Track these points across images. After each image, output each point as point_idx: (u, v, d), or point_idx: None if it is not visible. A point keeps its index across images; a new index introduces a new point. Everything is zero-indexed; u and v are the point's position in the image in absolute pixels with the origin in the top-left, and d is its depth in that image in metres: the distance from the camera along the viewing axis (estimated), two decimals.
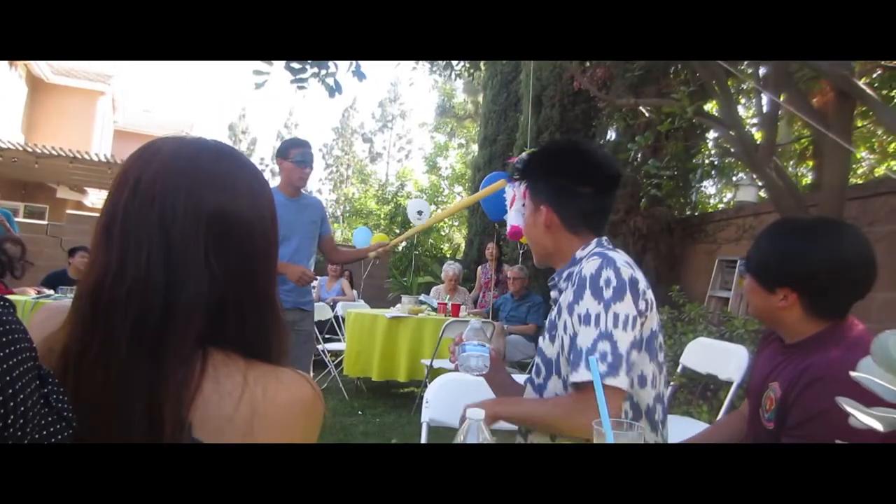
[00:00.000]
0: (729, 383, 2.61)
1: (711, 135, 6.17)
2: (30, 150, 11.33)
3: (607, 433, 0.92)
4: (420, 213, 8.53)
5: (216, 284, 0.69)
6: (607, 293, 1.20)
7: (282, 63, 3.47)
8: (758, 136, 4.58)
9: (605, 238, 1.43)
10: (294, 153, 3.21)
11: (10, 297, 4.54)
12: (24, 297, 4.91)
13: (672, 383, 2.93)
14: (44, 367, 0.57)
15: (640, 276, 1.29)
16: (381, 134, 33.15)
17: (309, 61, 3.43)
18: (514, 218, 3.15)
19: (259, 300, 0.75)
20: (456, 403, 1.87)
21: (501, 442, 1.08)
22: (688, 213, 6.65)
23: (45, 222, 10.20)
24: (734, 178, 6.68)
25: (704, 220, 6.31)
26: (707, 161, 6.53)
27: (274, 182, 3.01)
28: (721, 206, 7.71)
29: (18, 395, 0.52)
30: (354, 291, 7.85)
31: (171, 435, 0.64)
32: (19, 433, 0.53)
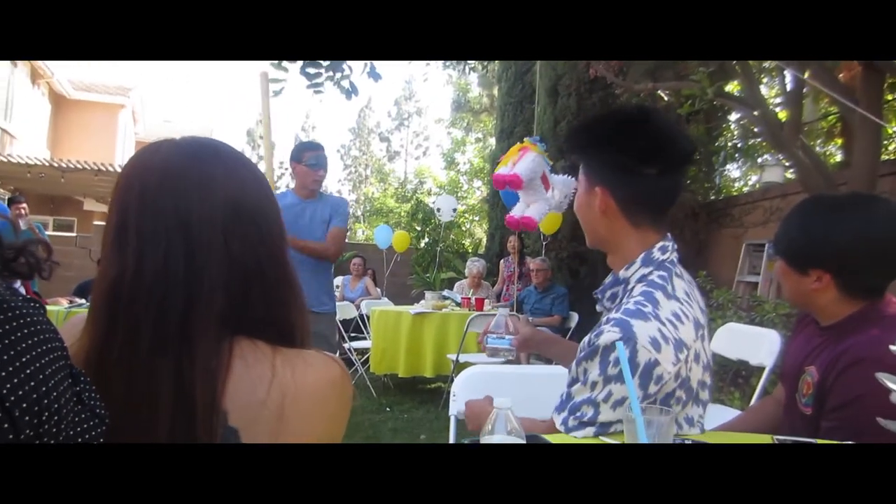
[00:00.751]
0: (760, 369, 2.56)
1: (734, 116, 6.07)
2: (56, 165, 11.54)
3: (637, 418, 0.90)
4: (454, 210, 8.58)
5: (237, 269, 0.72)
6: (612, 370, 1.09)
7: (297, 68, 3.48)
8: (782, 115, 4.48)
9: (657, 249, 1.22)
10: (307, 156, 3.26)
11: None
12: (56, 306, 5.00)
13: None
14: (75, 367, 0.58)
15: (666, 353, 1.09)
16: (398, 132, 33.20)
17: (324, 66, 3.43)
18: (518, 209, 3.15)
19: (280, 279, 0.77)
20: (482, 395, 1.86)
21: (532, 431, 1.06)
22: (712, 197, 6.54)
23: (73, 234, 10.40)
24: (759, 160, 6.56)
25: (730, 204, 6.21)
26: (730, 143, 6.41)
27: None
28: (746, 188, 7.58)
29: (52, 392, 0.53)
30: (378, 289, 7.88)
31: (205, 424, 0.65)
32: (54, 430, 0.53)
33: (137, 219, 0.70)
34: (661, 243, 1.23)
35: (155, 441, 0.64)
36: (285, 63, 3.38)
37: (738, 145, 6.54)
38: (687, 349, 1.12)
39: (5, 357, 0.51)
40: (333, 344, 3.46)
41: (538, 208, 3.03)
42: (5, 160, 11.18)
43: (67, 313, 4.67)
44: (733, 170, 8.18)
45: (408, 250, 10.74)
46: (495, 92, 12.65)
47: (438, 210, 8.63)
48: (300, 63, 3.44)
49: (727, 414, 2.80)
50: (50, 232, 9.74)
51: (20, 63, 13.27)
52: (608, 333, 1.10)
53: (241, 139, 33.38)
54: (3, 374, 0.50)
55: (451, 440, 1.74)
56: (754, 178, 7.50)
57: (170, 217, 0.70)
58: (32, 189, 13.40)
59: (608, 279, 1.30)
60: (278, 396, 0.68)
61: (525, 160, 2.96)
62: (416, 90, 33.11)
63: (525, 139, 2.98)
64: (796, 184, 4.65)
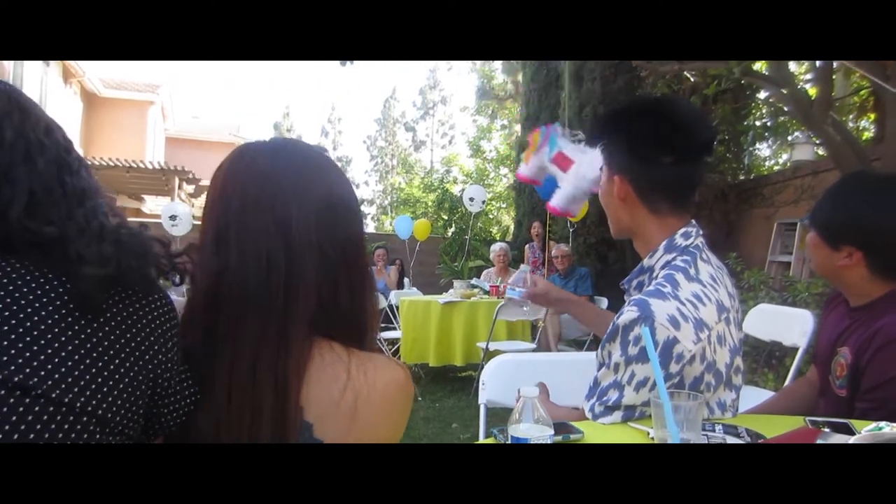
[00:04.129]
0: (794, 349, 2.53)
1: (763, 94, 5.94)
2: (89, 162, 11.73)
3: (665, 404, 0.90)
4: (483, 201, 8.58)
5: (329, 268, 0.77)
6: (632, 350, 1.10)
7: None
8: (813, 91, 4.38)
9: (680, 235, 1.23)
10: None
11: None
12: None
13: None
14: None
15: (685, 332, 1.09)
16: (423, 122, 33.15)
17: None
18: (523, 168, 3.18)
19: (363, 274, 0.82)
20: (511, 383, 1.87)
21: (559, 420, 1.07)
22: (742, 177, 6.43)
23: None
24: (790, 138, 6.42)
25: (760, 184, 6.10)
26: (759, 123, 6.28)
27: None
28: (778, 167, 7.43)
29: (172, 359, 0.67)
30: (406, 279, 7.92)
31: (292, 417, 0.70)
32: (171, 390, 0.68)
33: (238, 221, 0.75)
34: (683, 229, 1.24)
35: (258, 429, 0.69)
36: None
37: (768, 124, 6.41)
38: (708, 329, 1.12)
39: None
40: None
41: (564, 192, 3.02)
42: None
43: None
44: (763, 149, 8.02)
45: (435, 239, 10.76)
46: (520, 78, 12.56)
47: (472, 200, 8.63)
48: None
49: (760, 395, 2.77)
50: None
51: (52, 63, 13.54)
52: (627, 313, 1.11)
53: (269, 132, 33.66)
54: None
55: (482, 428, 1.76)
56: (785, 156, 7.35)
57: (269, 221, 0.75)
58: None
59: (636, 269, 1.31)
60: (352, 397, 0.73)
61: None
62: (440, 79, 32.95)
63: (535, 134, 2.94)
64: (828, 161, 4.55)
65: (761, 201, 5.93)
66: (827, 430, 1.06)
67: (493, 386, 1.86)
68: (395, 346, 5.63)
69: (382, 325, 6.25)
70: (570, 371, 1.87)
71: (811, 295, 3.24)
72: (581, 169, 2.82)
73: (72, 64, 14.20)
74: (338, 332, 0.77)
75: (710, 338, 1.13)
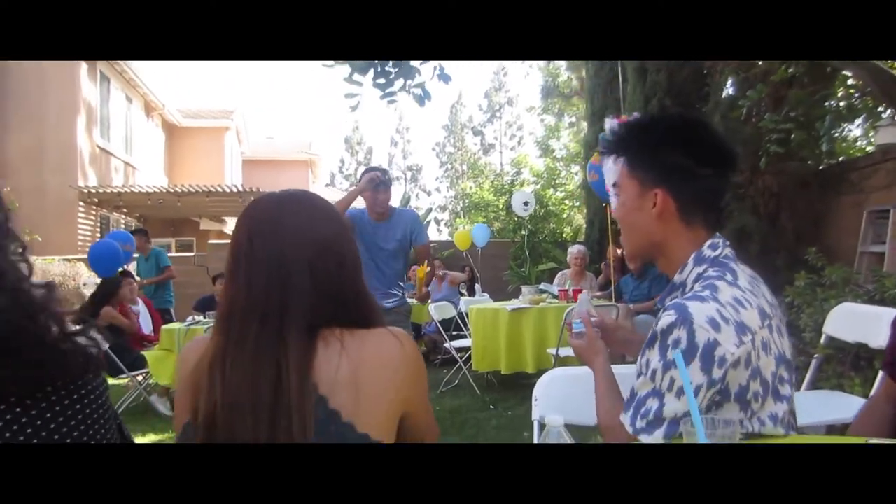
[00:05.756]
0: (882, 351, 2.34)
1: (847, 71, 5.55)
2: (172, 190, 12.47)
3: (698, 430, 0.85)
4: (526, 203, 8.56)
5: (321, 289, 0.96)
6: (671, 356, 1.05)
7: (370, 80, 3.59)
8: None
9: (708, 246, 1.20)
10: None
11: (164, 327, 4.99)
12: (176, 325, 5.40)
13: (816, 356, 2.67)
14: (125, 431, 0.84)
15: (726, 334, 1.04)
16: (491, 124, 33.14)
17: (392, 73, 3.53)
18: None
19: (358, 293, 1.02)
20: (567, 398, 1.81)
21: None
22: (826, 161, 6.03)
23: (192, 254, 11.18)
24: (884, 116, 5.96)
25: (846, 169, 5.71)
26: (842, 104, 5.88)
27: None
28: (870, 148, 6.93)
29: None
30: (477, 286, 7.91)
31: (300, 395, 0.86)
32: None
33: (247, 257, 0.96)
34: (710, 241, 1.21)
35: (260, 408, 0.86)
36: (357, 76, 3.51)
37: (853, 105, 5.98)
38: (751, 333, 1.07)
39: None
40: None
41: None
42: (128, 190, 12.20)
43: (187, 331, 5.05)
44: (853, 129, 7.49)
45: (505, 243, 10.71)
46: (584, 74, 12.33)
47: (523, 205, 8.69)
48: (371, 75, 3.55)
49: (846, 401, 2.60)
50: (172, 253, 10.52)
51: (134, 98, 14.40)
52: (664, 317, 1.09)
53: (340, 146, 34.53)
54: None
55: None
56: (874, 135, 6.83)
57: (270, 255, 0.95)
58: (154, 215, 14.54)
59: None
60: (348, 368, 0.90)
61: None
62: (504, 80, 32.82)
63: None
64: None
65: (849, 188, 5.54)
66: None
67: (545, 402, 1.81)
68: (467, 354, 5.61)
69: (454, 332, 6.26)
70: (626, 385, 1.80)
71: None
72: None
73: (153, 98, 15.06)
74: (341, 322, 0.95)
75: (755, 342, 1.07)
